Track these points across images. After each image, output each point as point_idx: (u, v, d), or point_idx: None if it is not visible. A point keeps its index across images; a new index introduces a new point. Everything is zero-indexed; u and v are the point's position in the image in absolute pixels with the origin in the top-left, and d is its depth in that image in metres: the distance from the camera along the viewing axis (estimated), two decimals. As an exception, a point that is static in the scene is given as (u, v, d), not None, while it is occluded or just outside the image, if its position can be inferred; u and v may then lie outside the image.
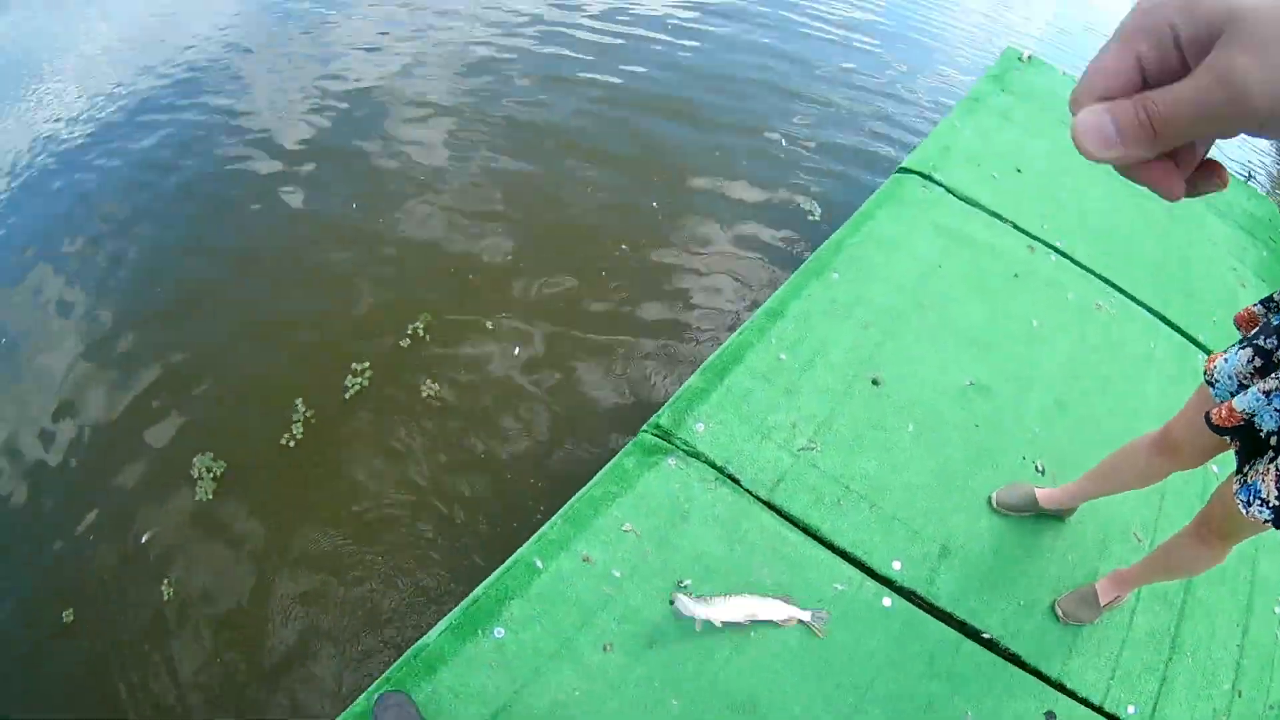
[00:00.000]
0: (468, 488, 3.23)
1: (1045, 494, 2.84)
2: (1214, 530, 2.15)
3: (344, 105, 5.32)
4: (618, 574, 2.41)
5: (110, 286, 4.18)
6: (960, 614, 2.53)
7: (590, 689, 2.18)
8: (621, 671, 2.24)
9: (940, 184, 4.18)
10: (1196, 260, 4.50)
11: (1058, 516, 2.87)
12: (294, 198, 4.61)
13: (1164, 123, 0.47)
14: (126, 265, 4.29)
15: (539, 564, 2.40)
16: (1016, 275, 3.83)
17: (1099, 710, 2.50)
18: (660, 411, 2.79)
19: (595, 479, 2.63)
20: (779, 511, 2.62)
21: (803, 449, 2.76)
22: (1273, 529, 1.88)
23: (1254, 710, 2.66)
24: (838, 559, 2.56)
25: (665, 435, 2.73)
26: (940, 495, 2.78)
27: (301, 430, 3.38)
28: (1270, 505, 1.80)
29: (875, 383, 3.02)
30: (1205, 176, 0.56)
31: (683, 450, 2.70)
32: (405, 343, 3.78)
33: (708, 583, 2.43)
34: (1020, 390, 3.27)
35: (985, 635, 2.51)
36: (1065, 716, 2.45)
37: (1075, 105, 0.52)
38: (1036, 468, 3.02)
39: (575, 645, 2.25)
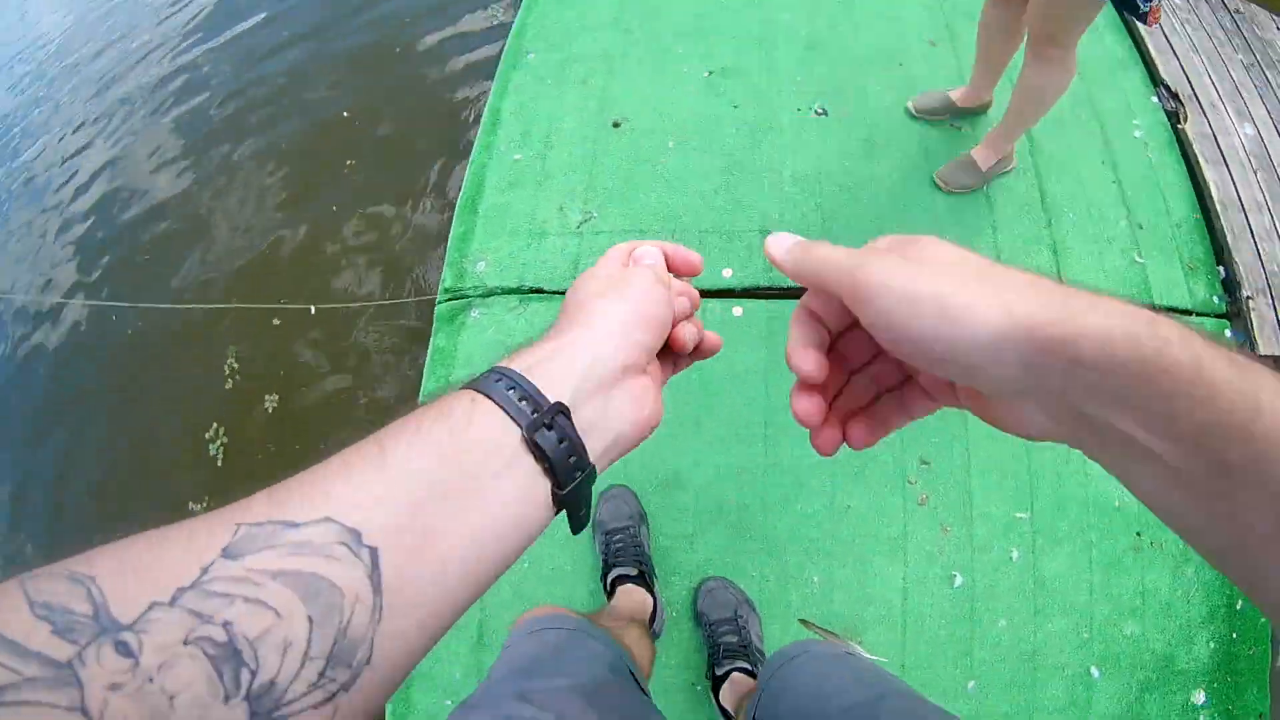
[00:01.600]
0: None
1: (958, 93, 2.78)
2: (1051, 41, 2.10)
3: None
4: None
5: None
6: (814, 280, 2.38)
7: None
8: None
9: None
10: None
11: (980, 113, 2.82)
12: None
13: None
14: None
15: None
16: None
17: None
18: (443, 277, 2.55)
19: (424, 376, 2.40)
20: (593, 290, 2.42)
21: (582, 224, 2.54)
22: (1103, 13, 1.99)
23: (1162, 234, 2.61)
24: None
25: (457, 294, 2.50)
26: (734, 185, 2.61)
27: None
28: None
29: (617, 125, 2.79)
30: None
31: (478, 296, 2.48)
32: (229, 385, 3.45)
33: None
34: (765, 53, 3.08)
35: None
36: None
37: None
38: (816, 111, 2.84)
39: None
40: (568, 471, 0.49)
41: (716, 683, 1.82)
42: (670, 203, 2.56)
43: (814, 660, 1.20)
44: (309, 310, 3.29)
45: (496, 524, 0.45)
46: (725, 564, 2.03)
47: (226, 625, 0.34)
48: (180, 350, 3.54)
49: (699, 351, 0.69)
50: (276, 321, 3.37)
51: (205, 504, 3.05)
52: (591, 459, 0.51)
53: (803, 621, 1.96)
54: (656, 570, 2.00)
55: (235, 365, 3.44)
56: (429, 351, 2.43)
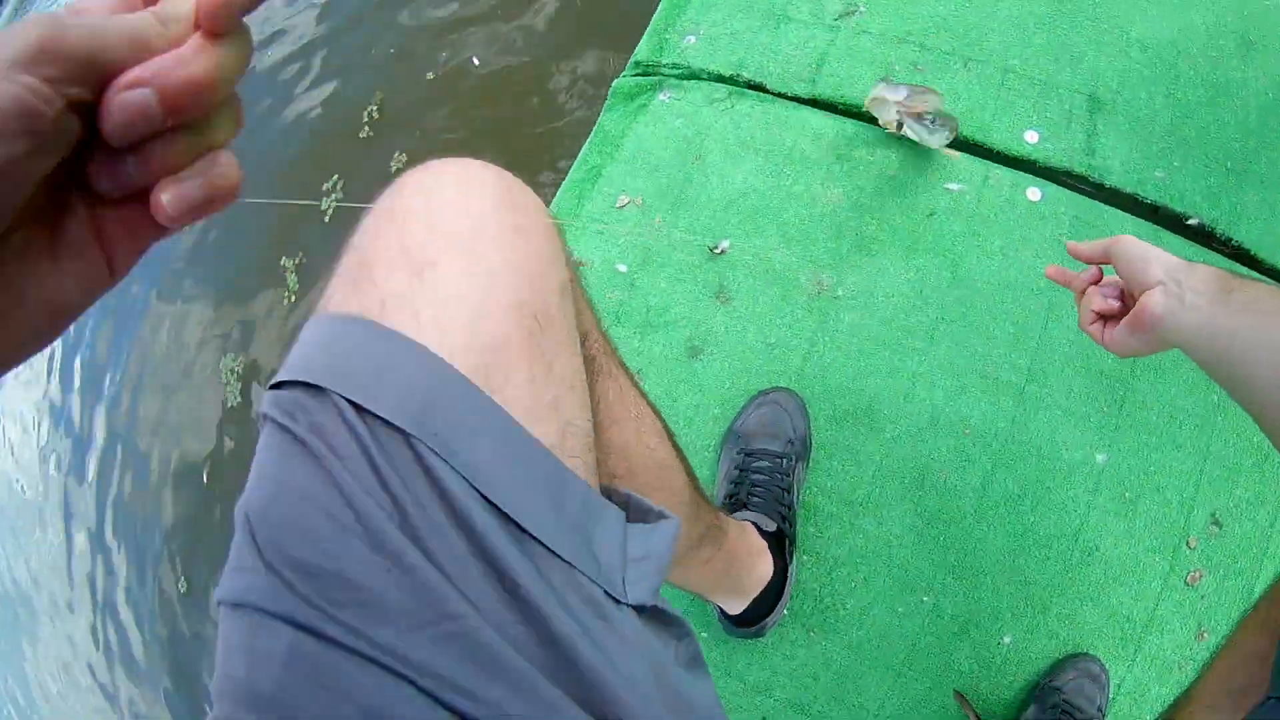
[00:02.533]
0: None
1: None
2: None
3: None
4: (623, 268, 1.52)
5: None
6: (1147, 193, 1.52)
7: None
8: (661, 404, 1.41)
9: None
10: None
11: None
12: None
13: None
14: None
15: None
16: None
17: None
18: (638, 47, 1.80)
19: (574, 163, 1.70)
20: (831, 106, 1.64)
21: (842, 16, 1.72)
22: None
23: None
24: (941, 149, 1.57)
25: (648, 69, 1.75)
26: (1062, 25, 1.72)
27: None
28: None
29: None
30: None
31: (675, 76, 1.72)
32: (364, 133, 2.81)
33: (756, 232, 1.52)
34: None
35: (1191, 220, 1.49)
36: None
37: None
38: None
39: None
40: None
41: None
42: (969, 18, 1.70)
43: None
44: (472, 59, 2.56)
45: None
46: (891, 563, 1.32)
47: None
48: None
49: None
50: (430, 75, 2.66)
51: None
52: None
53: (959, 695, 1.24)
54: (797, 531, 1.30)
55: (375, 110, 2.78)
56: (591, 132, 1.72)
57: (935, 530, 1.32)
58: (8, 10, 3.46)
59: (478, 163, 0.55)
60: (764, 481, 1.22)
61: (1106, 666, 1.24)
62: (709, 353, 1.44)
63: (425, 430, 0.43)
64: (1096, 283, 0.80)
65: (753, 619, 1.20)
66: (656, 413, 0.81)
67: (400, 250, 0.48)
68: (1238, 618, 1.29)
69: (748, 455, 1.26)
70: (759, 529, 1.17)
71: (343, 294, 0.48)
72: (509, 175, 0.55)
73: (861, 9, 1.72)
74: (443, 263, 0.47)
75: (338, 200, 2.65)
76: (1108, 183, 1.52)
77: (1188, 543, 1.30)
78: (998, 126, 1.58)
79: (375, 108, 2.77)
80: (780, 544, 1.19)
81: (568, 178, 1.67)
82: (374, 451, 0.42)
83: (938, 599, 1.29)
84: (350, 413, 0.42)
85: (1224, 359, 0.65)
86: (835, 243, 1.49)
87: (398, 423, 0.42)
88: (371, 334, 0.45)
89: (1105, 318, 0.78)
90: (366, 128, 2.74)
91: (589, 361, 0.62)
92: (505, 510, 0.44)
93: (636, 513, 0.57)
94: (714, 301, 1.47)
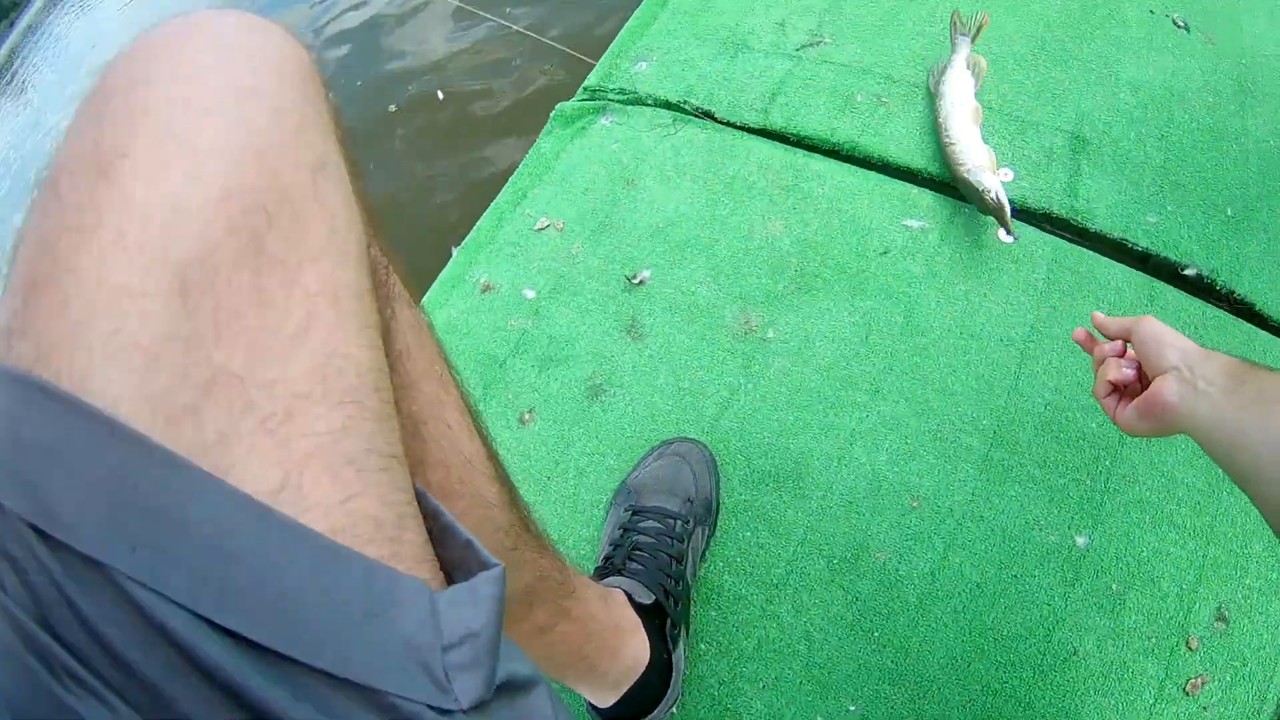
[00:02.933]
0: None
1: None
2: None
3: None
4: (530, 294, 1.31)
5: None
6: (1137, 239, 1.30)
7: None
8: (552, 447, 1.18)
9: None
10: None
11: None
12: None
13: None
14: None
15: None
16: None
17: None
18: (590, 73, 1.65)
19: (505, 186, 1.53)
20: (782, 137, 1.45)
21: (804, 47, 1.55)
22: None
23: None
24: (900, 183, 1.38)
25: (595, 94, 1.58)
26: (1046, 64, 1.53)
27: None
28: None
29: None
30: None
31: (620, 101, 1.55)
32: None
33: (682, 262, 1.31)
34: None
35: (1188, 270, 1.26)
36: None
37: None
38: (1177, 22, 1.70)
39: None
40: None
41: None
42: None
43: None
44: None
45: None
46: (811, 662, 1.04)
47: None
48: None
49: None
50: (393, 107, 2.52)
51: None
52: None
53: None
54: (692, 612, 1.04)
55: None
56: (526, 156, 1.55)
57: (869, 623, 1.05)
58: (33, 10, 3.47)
59: (207, 13, 0.40)
60: (649, 545, 0.98)
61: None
62: (612, 394, 1.21)
63: (119, 553, 0.30)
64: (1120, 355, 0.78)
65: (629, 716, 0.94)
66: (461, 386, 0.59)
67: (93, 145, 0.34)
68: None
69: (636, 513, 1.02)
70: (631, 600, 0.92)
71: (34, 220, 0.35)
72: (251, 20, 0.40)
73: (827, 39, 1.55)
74: (135, 151, 0.33)
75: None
76: (1092, 227, 1.30)
77: (1187, 643, 1.03)
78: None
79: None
80: (661, 624, 0.94)
81: (495, 200, 1.49)
82: (73, 593, 0.30)
83: (867, 709, 1.01)
84: (33, 539, 0.30)
85: (1232, 452, 0.61)
86: (770, 279, 1.27)
87: (84, 550, 0.30)
88: (33, 399, 0.31)
89: (1120, 392, 0.77)
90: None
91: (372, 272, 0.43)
92: (256, 640, 0.30)
93: (437, 535, 0.40)
94: (624, 337, 1.25)
